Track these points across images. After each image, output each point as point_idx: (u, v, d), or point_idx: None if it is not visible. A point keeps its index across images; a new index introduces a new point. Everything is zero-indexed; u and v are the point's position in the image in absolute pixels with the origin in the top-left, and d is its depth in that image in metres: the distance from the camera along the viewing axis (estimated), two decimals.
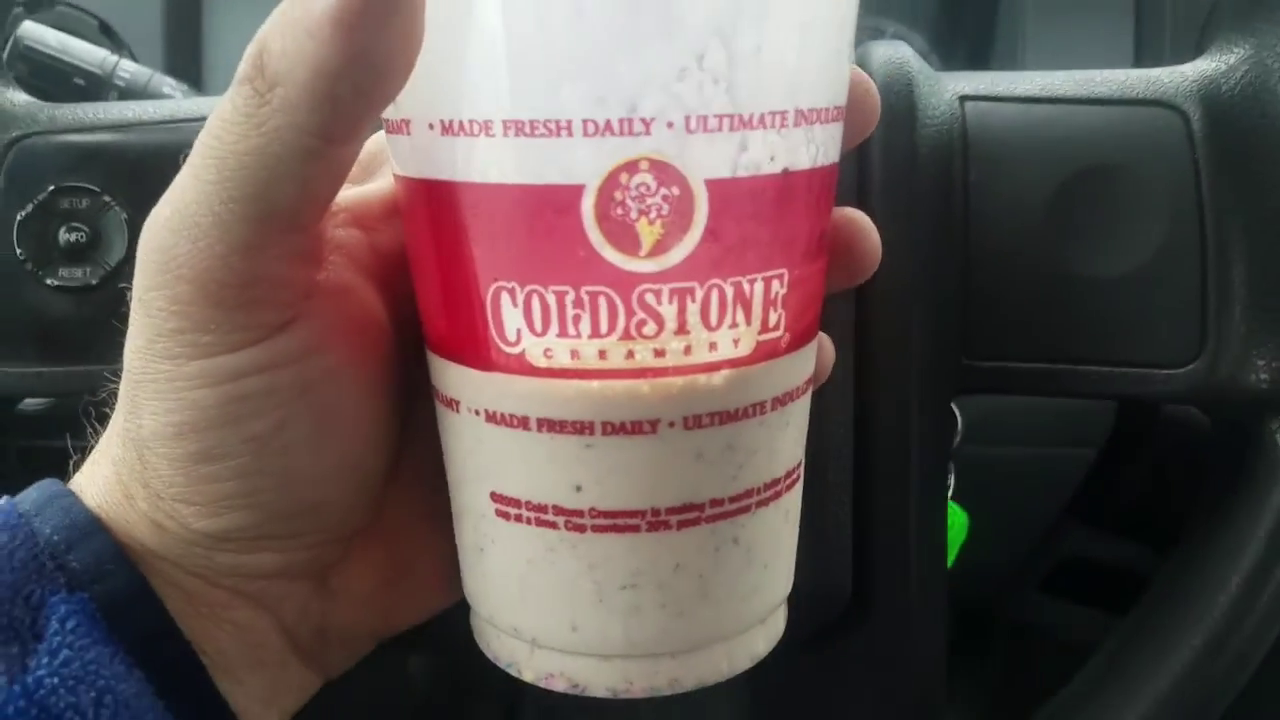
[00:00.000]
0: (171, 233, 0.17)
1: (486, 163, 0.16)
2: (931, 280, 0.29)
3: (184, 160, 0.17)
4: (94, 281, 0.33)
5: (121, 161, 0.33)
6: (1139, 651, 0.30)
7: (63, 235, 0.32)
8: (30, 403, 0.43)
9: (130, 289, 0.18)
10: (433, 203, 0.18)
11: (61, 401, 0.43)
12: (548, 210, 0.16)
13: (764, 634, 0.21)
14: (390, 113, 0.18)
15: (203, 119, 0.16)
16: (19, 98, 0.34)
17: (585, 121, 0.16)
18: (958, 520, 0.45)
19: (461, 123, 0.16)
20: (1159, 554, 0.52)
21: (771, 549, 0.20)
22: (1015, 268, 0.30)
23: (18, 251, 0.32)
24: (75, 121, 0.33)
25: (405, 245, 0.20)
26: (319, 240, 0.19)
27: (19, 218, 0.32)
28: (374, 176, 0.22)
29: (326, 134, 0.16)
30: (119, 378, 0.19)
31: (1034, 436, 0.51)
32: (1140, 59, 0.58)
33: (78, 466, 0.21)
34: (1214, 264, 0.29)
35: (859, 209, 0.29)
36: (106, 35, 0.49)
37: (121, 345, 0.19)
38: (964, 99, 0.31)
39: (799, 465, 0.21)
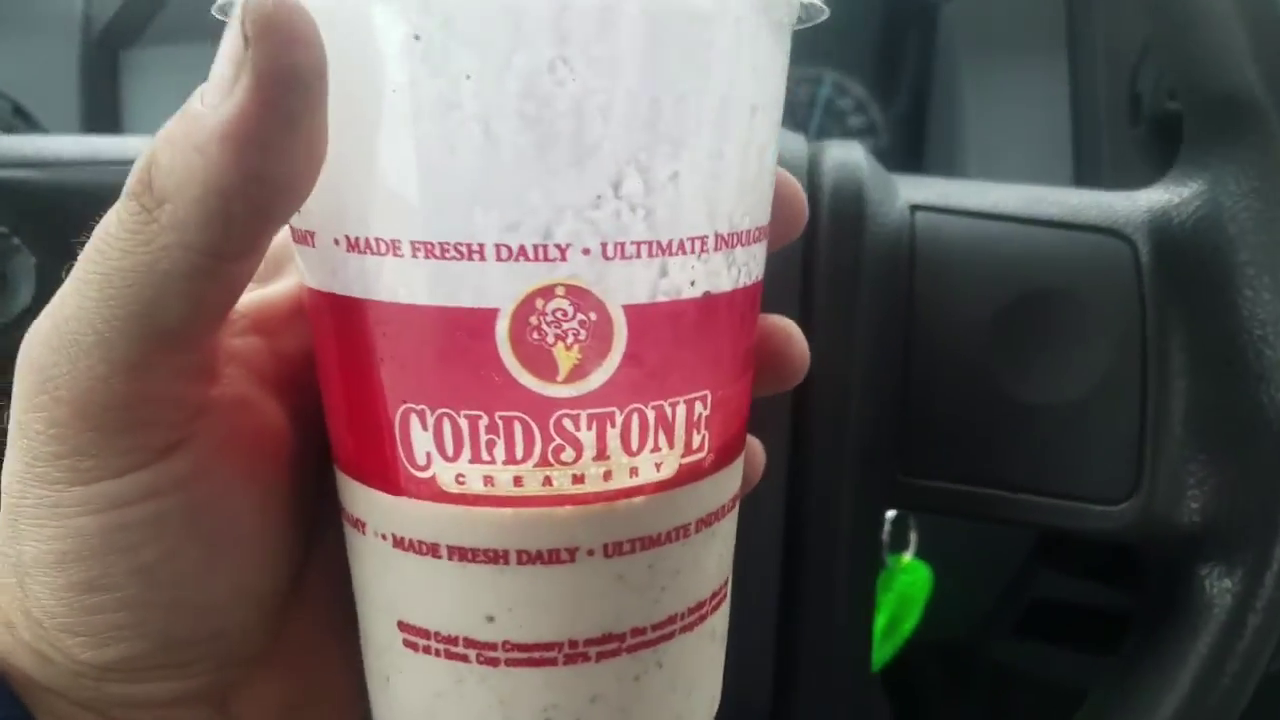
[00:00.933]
0: (51, 350, 0.16)
1: (395, 283, 0.16)
2: (870, 392, 0.29)
3: (67, 272, 0.16)
4: None
5: (34, 200, 0.31)
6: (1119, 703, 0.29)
7: None
8: None
9: (8, 407, 0.17)
10: (339, 318, 0.17)
11: None
12: (460, 333, 0.16)
13: None
14: (296, 221, 0.17)
15: (128, 161, 0.15)
16: None
17: (498, 246, 0.15)
18: (920, 576, 0.44)
19: (369, 240, 0.16)
20: (1128, 593, 0.51)
21: (696, 673, 0.19)
22: (954, 387, 0.29)
23: None
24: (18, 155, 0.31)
25: (314, 356, 0.19)
26: (212, 355, 0.18)
27: None
28: (282, 274, 0.21)
29: (218, 252, 0.15)
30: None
31: None
32: (1076, 98, 0.59)
33: None
34: (1154, 398, 0.29)
35: (802, 312, 0.29)
36: (20, 118, 0.47)
37: None
38: (915, 208, 0.30)
39: (725, 583, 0.20)
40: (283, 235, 0.22)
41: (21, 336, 0.31)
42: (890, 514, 0.43)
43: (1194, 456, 0.28)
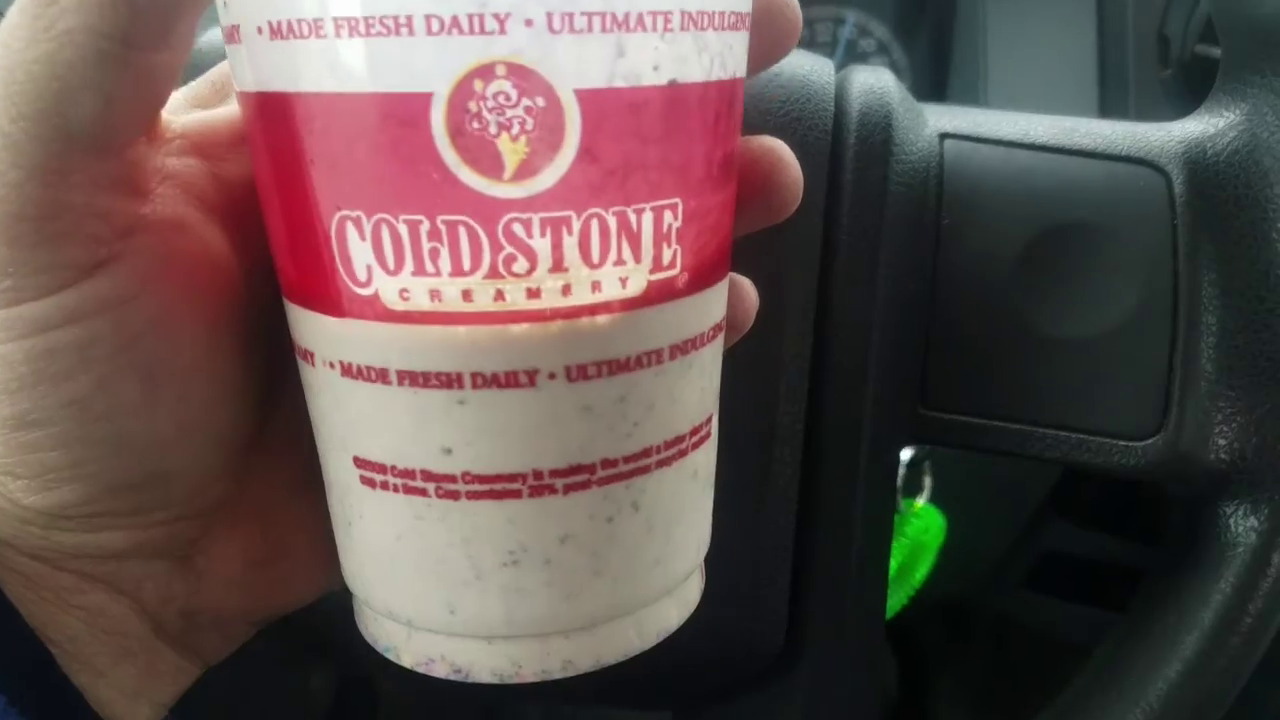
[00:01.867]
0: None
1: (320, 69, 0.14)
2: (893, 321, 0.28)
3: None
4: None
5: None
6: (1126, 657, 0.29)
7: None
8: None
9: None
10: (267, 119, 0.15)
11: None
12: (392, 123, 0.14)
13: (675, 604, 0.19)
14: (222, 17, 0.16)
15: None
16: None
17: (428, 18, 0.13)
18: (935, 523, 0.44)
19: (290, 23, 0.14)
20: (1141, 545, 0.51)
21: (676, 513, 0.18)
22: (979, 319, 0.28)
23: None
24: None
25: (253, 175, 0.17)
26: (137, 168, 0.17)
27: None
28: (229, 100, 0.20)
29: (125, 37, 0.14)
30: None
31: None
32: (1103, 43, 0.57)
33: None
34: (1183, 334, 0.28)
35: (825, 239, 0.28)
36: None
37: None
38: (944, 136, 0.29)
39: (708, 420, 0.19)
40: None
41: None
42: (905, 455, 0.42)
43: (1223, 393, 0.27)
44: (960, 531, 0.45)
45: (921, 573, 0.45)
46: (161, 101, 0.16)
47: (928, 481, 0.43)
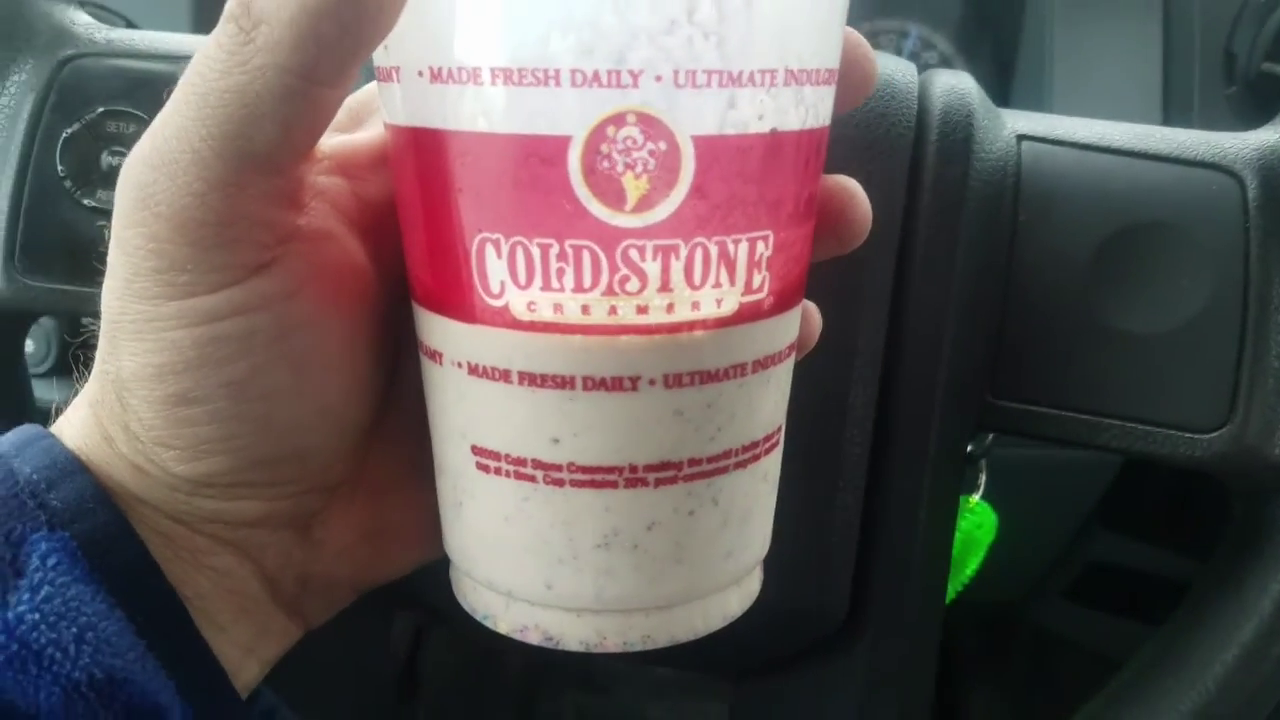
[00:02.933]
0: (150, 169, 0.17)
1: (474, 111, 0.16)
2: (967, 313, 0.29)
3: (168, 95, 0.17)
4: None
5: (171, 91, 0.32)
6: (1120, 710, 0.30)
7: (105, 158, 0.32)
8: (54, 398, 0.43)
9: (109, 226, 0.18)
10: (420, 152, 0.18)
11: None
12: (534, 161, 0.16)
13: (738, 594, 0.21)
14: (381, 59, 0.18)
15: None
16: (80, 17, 0.34)
17: (573, 72, 0.16)
18: (987, 520, 0.44)
19: (450, 70, 0.16)
20: (1188, 559, 0.51)
21: (747, 511, 0.20)
22: (1052, 312, 0.30)
23: (59, 168, 0.32)
24: (130, 47, 0.33)
25: (394, 196, 0.20)
26: (299, 184, 0.19)
27: (65, 134, 0.32)
28: (363, 126, 0.22)
29: (310, 74, 0.16)
30: (99, 319, 0.19)
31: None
32: (1168, 61, 0.58)
33: (59, 414, 0.21)
34: (1253, 331, 0.29)
35: (905, 234, 0.29)
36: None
37: None
38: (1022, 138, 0.31)
39: (779, 430, 0.21)
40: (364, 92, 0.23)
41: None
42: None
43: None
44: (1007, 536, 0.46)
45: (972, 567, 0.45)
46: (325, 128, 0.18)
47: (983, 479, 0.43)
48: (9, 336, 0.35)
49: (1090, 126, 0.31)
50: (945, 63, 0.66)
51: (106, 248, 0.19)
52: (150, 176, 0.17)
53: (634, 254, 0.17)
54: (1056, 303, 0.30)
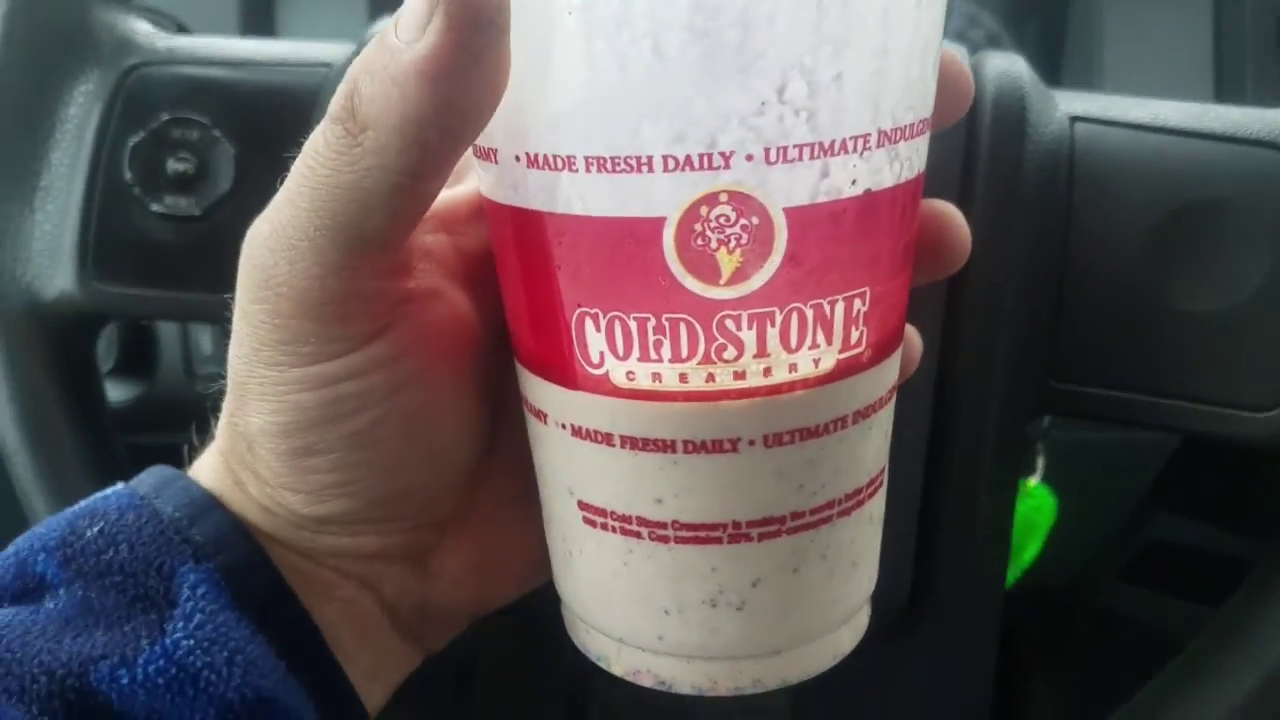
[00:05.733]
0: (271, 252, 0.19)
1: (570, 196, 0.17)
2: (1025, 297, 0.29)
3: (280, 182, 0.18)
4: (197, 212, 0.33)
5: (233, 97, 0.33)
6: (1226, 651, 0.30)
7: (171, 164, 0.33)
8: (116, 399, 0.45)
9: (232, 298, 0.20)
10: (519, 229, 0.18)
11: (148, 398, 0.45)
12: (629, 241, 0.17)
13: (848, 632, 0.21)
14: (479, 139, 0.19)
15: (316, 63, 0.17)
16: (141, 26, 0.35)
17: (665, 158, 0.16)
18: (1046, 504, 0.44)
19: (546, 157, 0.17)
20: (1247, 538, 0.50)
21: (854, 557, 0.21)
22: (1110, 294, 0.29)
23: (127, 175, 0.33)
24: (192, 55, 0.34)
25: (495, 261, 0.20)
26: (408, 254, 0.20)
27: (131, 143, 0.33)
28: (461, 179, 0.23)
29: (415, 173, 0.17)
30: (226, 305, 0.21)
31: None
32: (1220, 39, 0.55)
33: (191, 460, 0.23)
34: None
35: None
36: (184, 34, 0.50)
37: (218, 277, 0.20)
38: (1075, 119, 0.30)
39: (883, 470, 0.21)
40: None
41: (223, 218, 0.34)
42: None
43: None
44: (1063, 517, 0.45)
45: (1031, 552, 0.45)
46: (429, 207, 0.19)
47: (1040, 461, 0.43)
48: (83, 339, 0.37)
49: (1144, 106, 0.30)
50: (992, 40, 0.65)
51: (223, 241, 0.20)
52: (271, 260, 0.19)
53: (730, 324, 0.17)
54: (1114, 284, 0.29)
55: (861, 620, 0.22)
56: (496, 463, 0.24)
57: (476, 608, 0.25)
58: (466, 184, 0.23)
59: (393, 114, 0.16)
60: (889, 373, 0.20)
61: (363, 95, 0.16)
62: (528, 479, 0.22)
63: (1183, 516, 0.52)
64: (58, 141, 0.34)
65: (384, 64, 0.16)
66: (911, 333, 0.24)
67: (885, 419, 0.21)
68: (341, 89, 0.17)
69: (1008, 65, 0.30)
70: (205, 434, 0.23)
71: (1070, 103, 0.31)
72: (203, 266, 0.34)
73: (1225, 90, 0.56)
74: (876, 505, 0.21)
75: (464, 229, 0.22)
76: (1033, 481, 0.43)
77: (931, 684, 0.32)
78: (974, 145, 0.29)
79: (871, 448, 0.20)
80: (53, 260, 0.34)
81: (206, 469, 0.22)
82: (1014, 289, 0.29)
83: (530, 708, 0.42)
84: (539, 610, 0.22)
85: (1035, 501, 0.44)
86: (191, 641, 0.19)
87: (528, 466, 0.22)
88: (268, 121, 0.18)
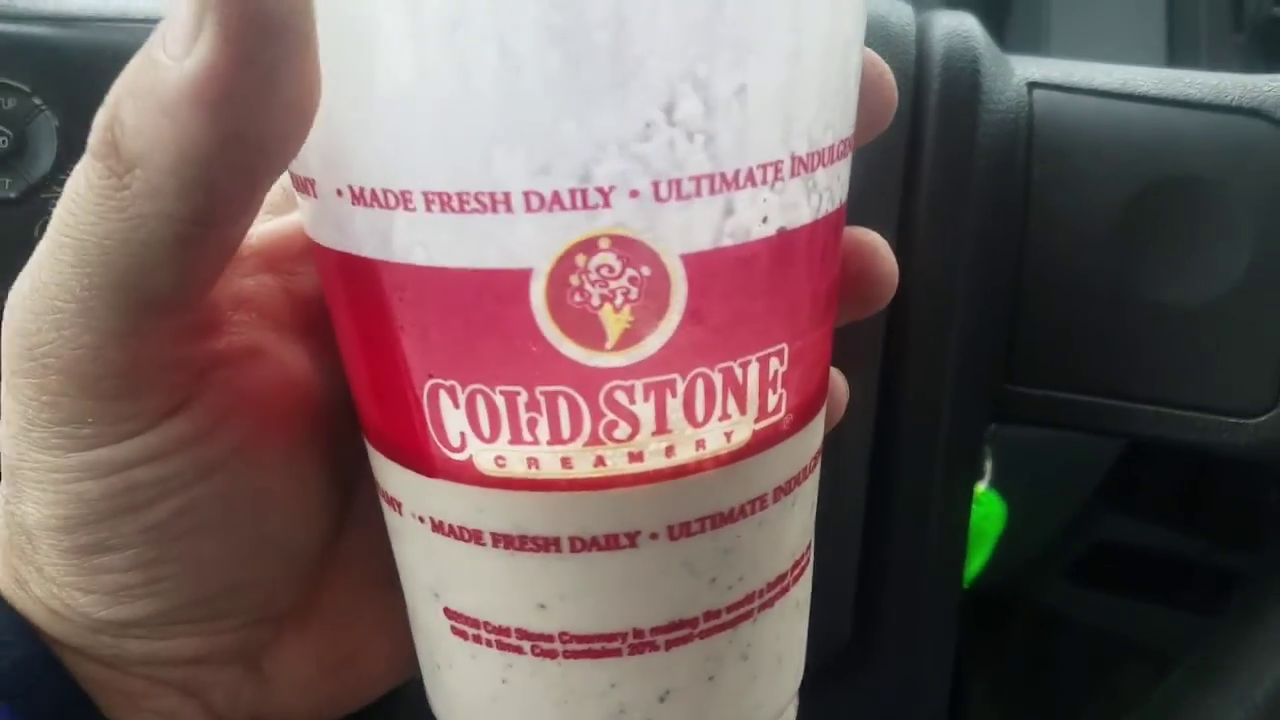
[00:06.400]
0: (34, 316, 0.15)
1: (409, 242, 0.13)
2: (978, 289, 0.26)
3: (40, 232, 0.14)
4: (13, 194, 0.29)
5: (59, 60, 0.29)
6: (1230, 661, 0.28)
7: None
8: None
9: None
10: (349, 279, 0.14)
11: None
12: (488, 299, 0.13)
13: None
14: (294, 166, 0.15)
15: (159, 20, 0.13)
16: None
17: (527, 194, 0.12)
18: (995, 510, 0.42)
19: (375, 192, 0.13)
20: (1194, 539, 0.49)
21: (778, 651, 0.17)
22: (1073, 285, 0.26)
23: None
24: (8, 9, 0.29)
25: (329, 315, 0.17)
26: (212, 310, 0.16)
27: None
28: (294, 202, 0.19)
29: (202, 220, 0.13)
30: None
31: None
32: (1173, 6, 0.54)
33: None
34: None
35: (905, 200, 0.25)
36: None
37: None
38: (1033, 85, 0.27)
39: (808, 548, 0.18)
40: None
41: (43, 203, 0.29)
42: None
43: None
44: (1012, 515, 0.43)
45: (979, 561, 0.43)
46: (233, 254, 0.15)
47: (989, 466, 0.40)
48: None
49: (1109, 72, 0.27)
50: None
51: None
52: (34, 325, 0.15)
53: (621, 396, 0.14)
54: (1078, 273, 0.26)
55: (790, 715, 0.19)
56: (349, 543, 0.20)
57: (329, 712, 0.21)
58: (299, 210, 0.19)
59: (165, 151, 0.12)
60: (813, 438, 0.17)
61: (126, 126, 0.12)
62: (386, 561, 0.19)
63: (1129, 516, 0.50)
64: None
65: (149, 85, 0.12)
66: (835, 378, 0.21)
67: (810, 491, 0.18)
68: (101, 116, 0.13)
69: (958, 24, 0.27)
70: None
71: (1027, 68, 0.27)
72: (18, 262, 0.29)
73: (1178, 64, 0.54)
74: (803, 590, 0.18)
75: (295, 267, 0.18)
76: (981, 487, 0.41)
77: (882, 712, 0.29)
78: (920, 115, 0.26)
79: (796, 526, 0.17)
80: None
81: None
82: (966, 280, 0.26)
83: None
84: None
85: (985, 509, 0.42)
86: None
87: (385, 546, 0.18)
88: (99, 89, 0.14)
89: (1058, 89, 0.27)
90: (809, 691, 0.26)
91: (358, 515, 0.20)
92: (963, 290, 0.26)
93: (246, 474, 0.17)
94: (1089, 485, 0.51)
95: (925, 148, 0.26)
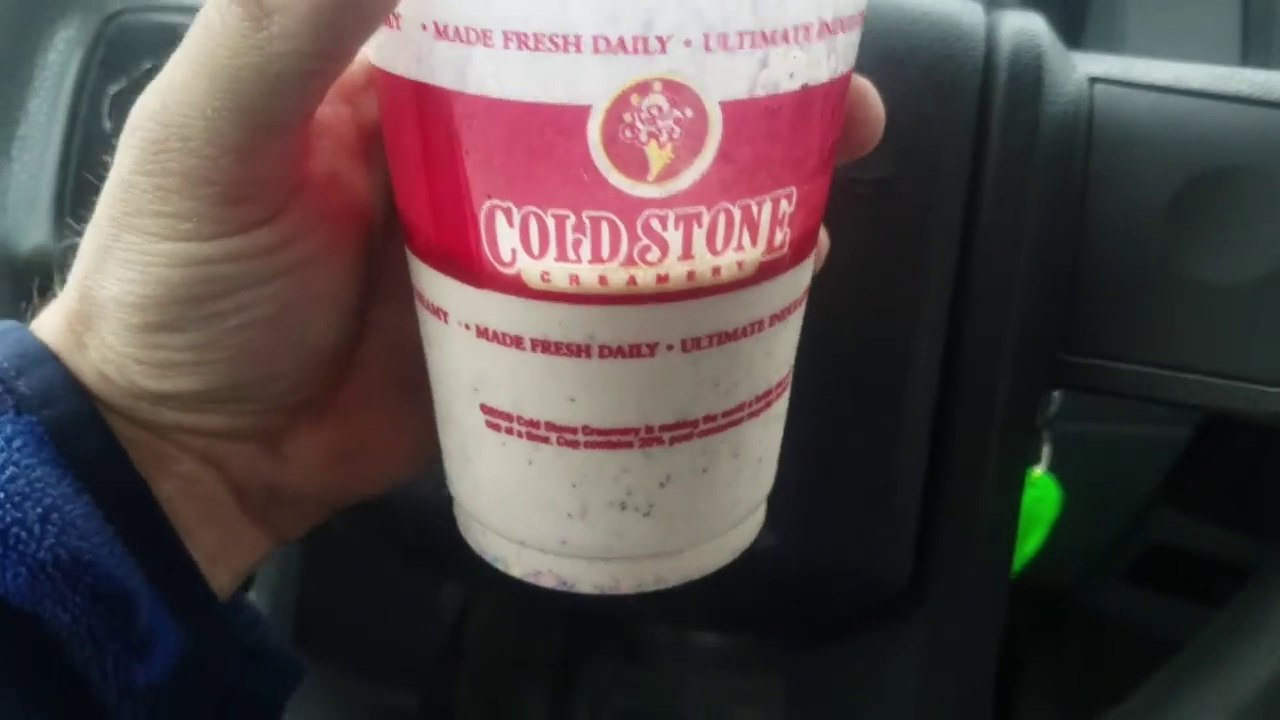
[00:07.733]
0: (162, 127, 0.17)
1: (484, 74, 0.15)
2: (1038, 264, 0.28)
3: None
4: None
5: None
6: (1231, 649, 0.30)
7: None
8: None
9: (109, 158, 0.18)
10: (422, 108, 0.16)
11: None
12: (550, 131, 0.15)
13: (747, 528, 0.22)
14: None
15: None
16: None
17: (596, 38, 0.14)
18: (1051, 495, 0.43)
19: (458, 28, 0.15)
20: (1253, 542, 0.50)
21: (759, 456, 0.21)
22: (1127, 263, 0.28)
23: (106, 125, 0.31)
24: (175, 1, 0.32)
25: (385, 140, 0.18)
26: (308, 135, 0.18)
27: (112, 91, 0.31)
28: None
29: (328, 55, 0.16)
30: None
31: (1133, 412, 0.47)
32: (1247, 6, 0.54)
33: (34, 315, 0.20)
34: None
35: (971, 183, 0.27)
36: None
37: None
38: (1094, 81, 0.29)
39: (790, 370, 0.21)
40: None
41: None
42: None
43: None
44: (1067, 513, 0.44)
45: (1034, 544, 0.43)
46: (332, 85, 0.17)
47: (1046, 450, 0.41)
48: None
49: (1167, 68, 0.29)
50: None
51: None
52: (162, 134, 0.17)
53: (655, 224, 0.16)
54: (1132, 252, 0.28)
55: (759, 517, 0.22)
56: (369, 349, 0.22)
57: (335, 497, 0.23)
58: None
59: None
60: (805, 274, 0.20)
61: None
62: (403, 366, 0.21)
63: (1190, 517, 0.51)
64: (36, 89, 0.32)
65: None
66: (821, 232, 0.23)
67: (796, 322, 0.20)
68: None
69: (1025, 23, 0.28)
70: (48, 293, 0.21)
71: (1089, 64, 0.29)
72: None
73: (1252, 57, 0.54)
74: (782, 405, 0.21)
75: (361, 97, 0.20)
76: (1038, 471, 0.41)
77: (931, 672, 0.31)
78: (988, 107, 0.27)
79: (783, 350, 0.20)
80: (28, 212, 0.32)
81: (47, 326, 0.20)
82: (1027, 256, 0.28)
83: (518, 684, 0.42)
84: (529, 589, 0.21)
85: (1040, 492, 0.43)
86: (1, 495, 0.17)
87: (404, 354, 0.21)
88: None
89: (1118, 84, 0.29)
90: (868, 630, 0.28)
91: (378, 324, 0.22)
92: (1023, 265, 0.28)
93: (306, 281, 0.19)
94: (1147, 486, 0.52)
95: (991, 135, 0.27)
